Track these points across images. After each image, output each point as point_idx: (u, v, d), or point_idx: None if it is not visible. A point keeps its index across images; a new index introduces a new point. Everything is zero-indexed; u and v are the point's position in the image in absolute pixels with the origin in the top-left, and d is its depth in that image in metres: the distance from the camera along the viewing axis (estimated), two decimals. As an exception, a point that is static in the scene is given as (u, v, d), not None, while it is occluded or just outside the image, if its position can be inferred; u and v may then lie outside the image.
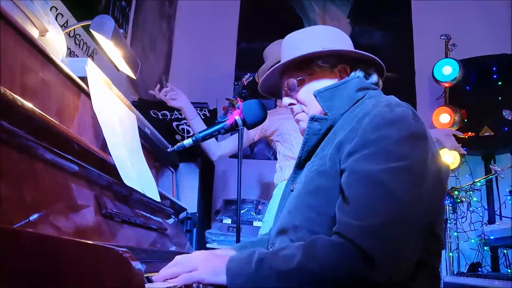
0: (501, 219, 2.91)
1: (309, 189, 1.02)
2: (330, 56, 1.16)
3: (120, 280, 0.56)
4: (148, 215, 1.54)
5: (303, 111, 1.20)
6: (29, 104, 0.81)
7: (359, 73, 1.16)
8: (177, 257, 1.00)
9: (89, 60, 1.23)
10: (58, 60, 1.06)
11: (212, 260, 0.95)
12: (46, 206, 0.87)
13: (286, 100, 1.22)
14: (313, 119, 1.12)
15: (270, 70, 1.22)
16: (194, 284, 0.96)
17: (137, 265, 0.57)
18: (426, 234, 0.92)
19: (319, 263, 0.84)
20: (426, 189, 0.90)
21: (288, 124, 2.22)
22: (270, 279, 0.86)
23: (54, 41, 1.15)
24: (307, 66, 1.17)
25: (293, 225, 1.02)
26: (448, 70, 3.09)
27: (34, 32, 1.04)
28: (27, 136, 0.84)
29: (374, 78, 1.18)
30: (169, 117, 2.64)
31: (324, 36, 1.20)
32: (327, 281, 0.84)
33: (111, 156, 1.18)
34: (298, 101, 1.20)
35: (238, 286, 0.88)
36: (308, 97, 1.16)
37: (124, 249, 0.56)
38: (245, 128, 1.52)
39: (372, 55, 1.16)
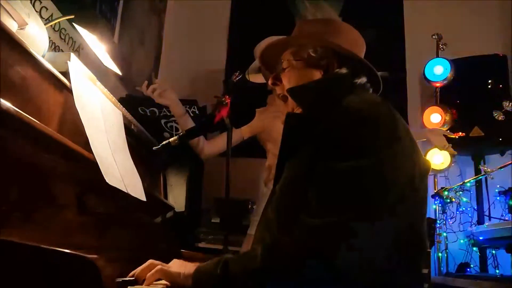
0: (490, 219, 2.92)
1: (287, 191, 1.01)
2: (321, 47, 1.15)
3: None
4: (134, 214, 1.50)
5: (283, 94, 1.21)
6: (5, 102, 0.77)
7: (343, 71, 1.13)
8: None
9: (72, 54, 1.19)
10: (37, 55, 1.02)
11: (185, 265, 0.98)
12: (25, 207, 0.83)
13: (270, 79, 1.23)
14: (289, 116, 1.11)
15: (271, 42, 1.24)
16: None
17: (108, 271, 0.54)
18: (405, 233, 0.91)
19: (279, 262, 0.85)
20: (400, 190, 0.88)
21: (278, 122, 2.18)
22: (234, 280, 0.87)
23: (35, 35, 1.11)
24: (298, 51, 1.18)
25: (272, 228, 1.01)
26: (439, 70, 3.09)
27: (11, 25, 1.00)
28: (3, 135, 0.80)
29: (363, 79, 1.15)
30: (157, 114, 2.60)
31: (328, 28, 1.19)
32: (289, 279, 0.84)
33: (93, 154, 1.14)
34: (281, 83, 1.21)
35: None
36: (288, 82, 1.18)
37: (95, 256, 0.53)
38: (233, 126, 1.49)
39: (362, 59, 1.15)
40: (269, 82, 1.24)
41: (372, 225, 0.84)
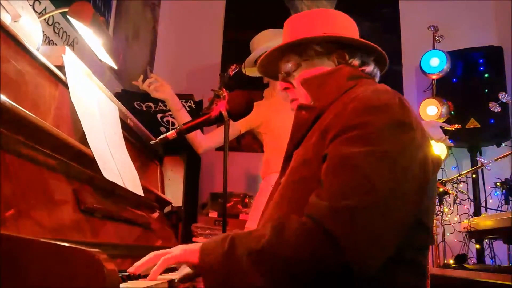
0: (486, 210, 2.93)
1: (294, 179, 0.99)
2: (327, 42, 1.12)
3: (92, 282, 0.52)
4: (131, 209, 1.49)
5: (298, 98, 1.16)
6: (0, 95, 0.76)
7: (356, 61, 1.12)
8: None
9: (67, 48, 1.18)
10: (32, 48, 1.00)
11: (188, 245, 0.96)
12: (21, 203, 0.82)
13: (281, 85, 1.19)
14: (300, 108, 1.09)
15: (268, 52, 1.18)
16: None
17: (110, 265, 0.54)
18: (410, 225, 0.89)
19: (285, 242, 0.83)
20: (413, 180, 0.87)
21: (276, 116, 2.18)
22: (240, 257, 0.85)
23: (29, 28, 1.09)
24: (304, 50, 1.13)
25: (278, 216, 0.98)
26: (435, 62, 3.08)
27: (5, 18, 0.98)
28: (-2, 129, 0.79)
29: (371, 67, 1.14)
30: (153, 108, 2.58)
31: (325, 20, 1.16)
32: (296, 262, 0.81)
33: (90, 149, 1.13)
34: (293, 86, 1.16)
35: (210, 264, 0.88)
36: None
37: (96, 250, 0.52)
38: (231, 120, 1.48)
39: (373, 44, 1.12)
40: (280, 88, 1.19)
41: (381, 212, 0.82)
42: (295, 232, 0.83)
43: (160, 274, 0.95)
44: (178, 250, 0.94)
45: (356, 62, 1.12)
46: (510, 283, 1.83)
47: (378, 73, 1.18)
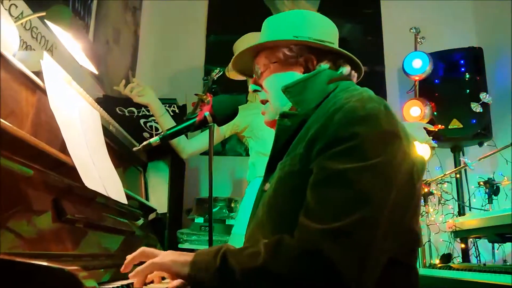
0: (470, 210, 2.96)
1: (281, 192, 0.98)
2: (296, 45, 1.11)
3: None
4: (114, 218, 1.46)
5: (267, 100, 1.17)
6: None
7: (325, 65, 1.11)
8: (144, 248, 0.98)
9: (45, 53, 1.14)
10: (8, 54, 0.96)
11: (180, 253, 0.94)
12: (-2, 214, 0.78)
13: (251, 87, 1.20)
14: (282, 115, 1.07)
15: (239, 52, 1.18)
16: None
17: (90, 283, 0.51)
18: (399, 232, 0.89)
19: (281, 265, 0.82)
20: (401, 188, 0.87)
21: (260, 120, 2.14)
22: (233, 275, 0.84)
23: (4, 33, 1.05)
24: (273, 53, 1.14)
25: (265, 229, 0.98)
26: (418, 63, 3.10)
27: (-22, 22, 0.94)
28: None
29: (345, 69, 1.13)
30: (136, 114, 2.54)
31: (298, 23, 1.15)
32: (289, 284, 0.81)
33: (71, 157, 1.09)
34: (262, 88, 1.17)
35: (202, 280, 0.86)
36: (270, 86, 1.14)
37: (75, 267, 0.49)
38: (215, 125, 1.46)
39: (341, 50, 1.12)
40: (250, 90, 1.21)
41: (375, 229, 0.81)
42: (291, 254, 0.82)
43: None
44: (168, 259, 0.92)
45: (325, 65, 1.11)
46: (495, 282, 1.84)
47: (356, 75, 1.18)
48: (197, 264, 0.88)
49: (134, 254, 0.97)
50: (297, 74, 1.12)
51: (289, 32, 1.12)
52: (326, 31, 1.16)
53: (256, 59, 1.19)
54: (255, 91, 1.19)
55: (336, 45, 1.15)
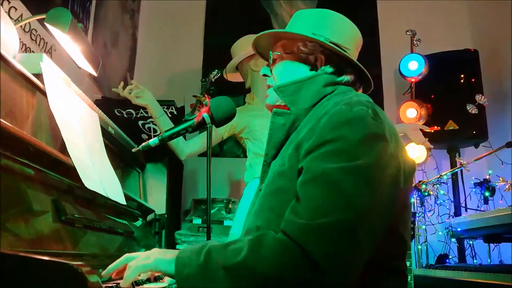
0: (466, 211, 2.98)
1: (270, 190, 1.00)
2: (310, 42, 1.14)
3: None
4: (113, 218, 1.47)
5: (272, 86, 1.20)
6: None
7: (328, 68, 1.13)
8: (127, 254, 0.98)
9: (44, 55, 1.15)
10: (8, 56, 0.97)
11: (166, 251, 0.95)
12: (-2, 214, 0.80)
13: (262, 70, 1.23)
14: (276, 113, 1.10)
15: (263, 33, 1.23)
16: None
17: (93, 278, 0.52)
18: (385, 236, 0.90)
19: (263, 260, 0.83)
20: (384, 191, 0.88)
21: (258, 121, 2.18)
22: (216, 270, 0.85)
23: (4, 35, 1.06)
24: (288, 45, 1.18)
25: (256, 226, 1.00)
26: (414, 65, 3.13)
27: (-21, 25, 0.96)
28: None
29: (348, 78, 1.15)
30: (134, 115, 2.55)
31: (321, 22, 1.18)
32: (271, 279, 0.82)
33: (70, 157, 1.11)
34: (272, 74, 1.20)
35: (185, 276, 0.87)
36: (277, 74, 1.18)
37: (79, 262, 0.51)
38: (213, 126, 1.47)
39: (350, 57, 1.14)
40: (260, 74, 1.24)
41: (359, 227, 0.83)
42: (273, 249, 0.84)
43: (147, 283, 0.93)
44: (152, 259, 0.93)
45: (328, 69, 1.13)
46: (491, 282, 1.86)
47: (358, 85, 1.19)
48: (182, 260, 0.89)
49: (116, 261, 0.97)
50: (304, 70, 1.14)
51: (309, 28, 1.15)
52: (346, 36, 1.19)
53: (274, 46, 1.23)
54: (264, 75, 1.22)
55: (351, 52, 1.18)
